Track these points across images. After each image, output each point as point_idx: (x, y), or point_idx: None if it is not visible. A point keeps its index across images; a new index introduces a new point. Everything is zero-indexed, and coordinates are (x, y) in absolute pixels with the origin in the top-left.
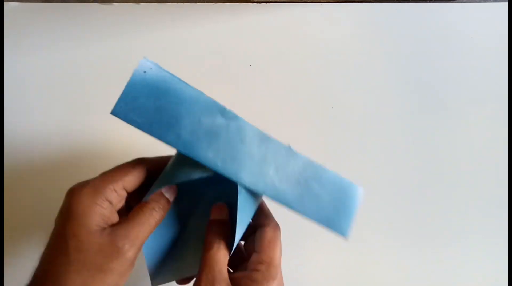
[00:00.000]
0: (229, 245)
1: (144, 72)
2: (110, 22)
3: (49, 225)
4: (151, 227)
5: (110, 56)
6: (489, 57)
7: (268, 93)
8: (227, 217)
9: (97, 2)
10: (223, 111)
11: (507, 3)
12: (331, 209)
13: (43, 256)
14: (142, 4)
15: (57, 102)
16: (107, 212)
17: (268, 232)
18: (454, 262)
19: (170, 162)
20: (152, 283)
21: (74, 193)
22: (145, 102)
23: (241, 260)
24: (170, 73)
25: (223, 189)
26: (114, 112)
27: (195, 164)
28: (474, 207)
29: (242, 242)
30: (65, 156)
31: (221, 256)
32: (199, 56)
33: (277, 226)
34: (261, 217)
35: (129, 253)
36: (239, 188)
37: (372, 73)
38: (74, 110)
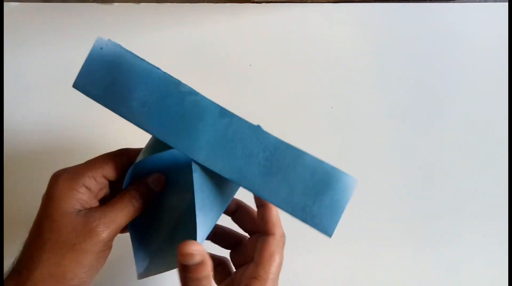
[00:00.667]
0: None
1: (101, 48)
2: (110, 22)
3: None
4: (129, 214)
5: None
6: (489, 57)
7: (268, 93)
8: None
9: (97, 2)
10: (177, 85)
11: (507, 3)
12: (309, 201)
13: (25, 242)
14: (142, 4)
15: (57, 101)
16: (84, 197)
17: (272, 244)
18: (454, 262)
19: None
20: (138, 276)
21: (53, 178)
22: (102, 76)
23: (244, 256)
24: (125, 49)
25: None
26: (74, 85)
27: (158, 141)
28: (474, 207)
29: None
30: (65, 154)
31: None
32: (199, 56)
33: (282, 238)
34: (268, 224)
35: (103, 234)
36: (193, 166)
37: (372, 73)
38: (73, 110)
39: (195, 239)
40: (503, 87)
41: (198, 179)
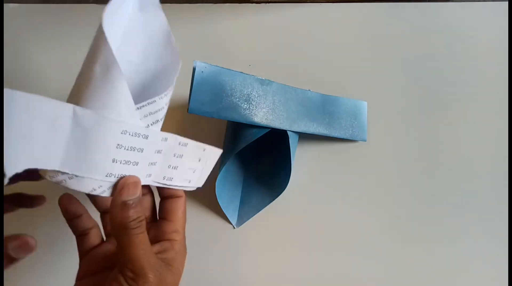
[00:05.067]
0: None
1: (202, 71)
2: None
3: (49, 225)
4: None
5: None
6: (489, 57)
7: None
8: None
9: (97, 2)
10: (262, 82)
11: (507, 3)
12: (351, 124)
13: None
14: None
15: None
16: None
17: (183, 203)
18: (454, 262)
19: (226, 139)
20: (235, 227)
21: None
22: (208, 95)
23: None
24: (220, 67)
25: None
26: (190, 111)
27: (250, 129)
28: (474, 207)
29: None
30: None
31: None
32: (199, 56)
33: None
34: (177, 191)
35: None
36: (288, 133)
37: (371, 73)
38: None
39: (288, 179)
40: (503, 87)
41: (292, 141)
